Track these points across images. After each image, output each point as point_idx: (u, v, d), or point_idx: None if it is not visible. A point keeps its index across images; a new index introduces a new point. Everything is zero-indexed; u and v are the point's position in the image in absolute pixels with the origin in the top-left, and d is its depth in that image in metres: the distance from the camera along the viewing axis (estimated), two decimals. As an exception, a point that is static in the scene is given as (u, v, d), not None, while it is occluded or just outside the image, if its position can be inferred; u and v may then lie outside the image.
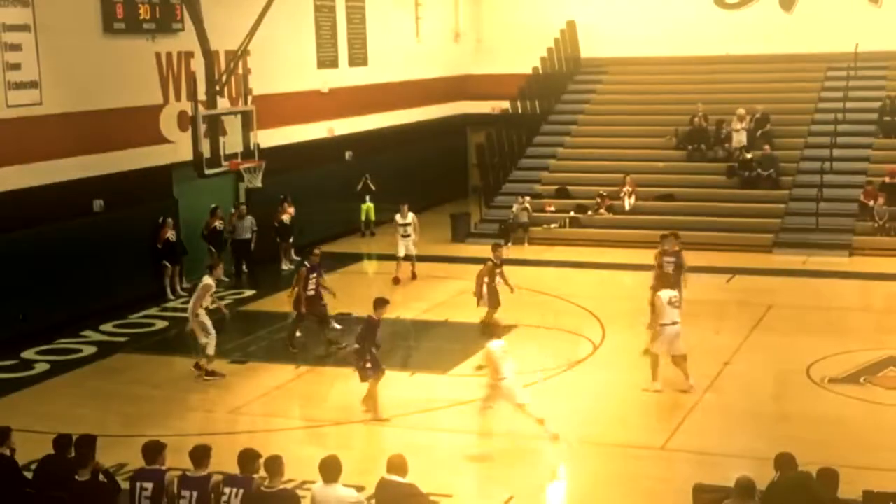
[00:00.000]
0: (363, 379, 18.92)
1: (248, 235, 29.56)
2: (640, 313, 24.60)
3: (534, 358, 21.79)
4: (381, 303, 19.18)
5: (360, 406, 19.01)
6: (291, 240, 30.78)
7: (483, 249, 26.11)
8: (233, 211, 29.72)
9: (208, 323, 21.08)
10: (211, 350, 21.04)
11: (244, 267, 29.63)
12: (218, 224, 28.99)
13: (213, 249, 28.85)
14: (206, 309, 21.29)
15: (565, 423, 18.60)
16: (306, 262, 22.98)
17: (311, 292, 22.72)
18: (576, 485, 16.48)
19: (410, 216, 29.01)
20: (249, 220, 29.57)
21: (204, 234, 28.94)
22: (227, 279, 28.44)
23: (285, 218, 30.60)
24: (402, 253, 28.87)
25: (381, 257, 32.06)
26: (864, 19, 37.72)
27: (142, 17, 27.05)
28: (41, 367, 22.08)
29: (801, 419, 18.18)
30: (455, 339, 22.98)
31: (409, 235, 28.92)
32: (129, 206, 26.57)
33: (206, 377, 20.98)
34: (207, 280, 21.39)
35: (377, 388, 18.92)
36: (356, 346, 19.15)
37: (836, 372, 20.34)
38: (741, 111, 35.13)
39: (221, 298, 26.81)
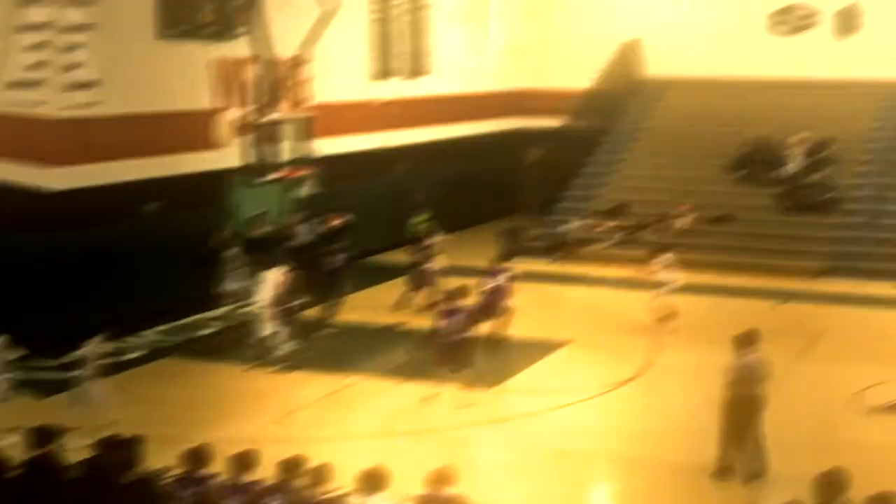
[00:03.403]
0: None
1: (307, 241, 29.61)
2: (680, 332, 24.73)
3: (585, 375, 21.78)
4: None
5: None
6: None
7: (533, 266, 26.07)
8: (291, 219, 29.80)
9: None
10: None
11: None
12: (262, 231, 29.07)
13: (258, 256, 28.99)
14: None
15: (616, 441, 18.57)
16: None
17: None
18: (623, 503, 16.43)
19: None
20: (307, 227, 29.65)
21: (249, 240, 29.05)
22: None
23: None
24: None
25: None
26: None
27: (201, 22, 27.28)
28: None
29: (846, 447, 17.96)
30: (500, 356, 22.96)
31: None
32: (182, 209, 26.72)
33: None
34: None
35: None
36: None
37: (881, 401, 20.17)
38: (797, 137, 34.85)
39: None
